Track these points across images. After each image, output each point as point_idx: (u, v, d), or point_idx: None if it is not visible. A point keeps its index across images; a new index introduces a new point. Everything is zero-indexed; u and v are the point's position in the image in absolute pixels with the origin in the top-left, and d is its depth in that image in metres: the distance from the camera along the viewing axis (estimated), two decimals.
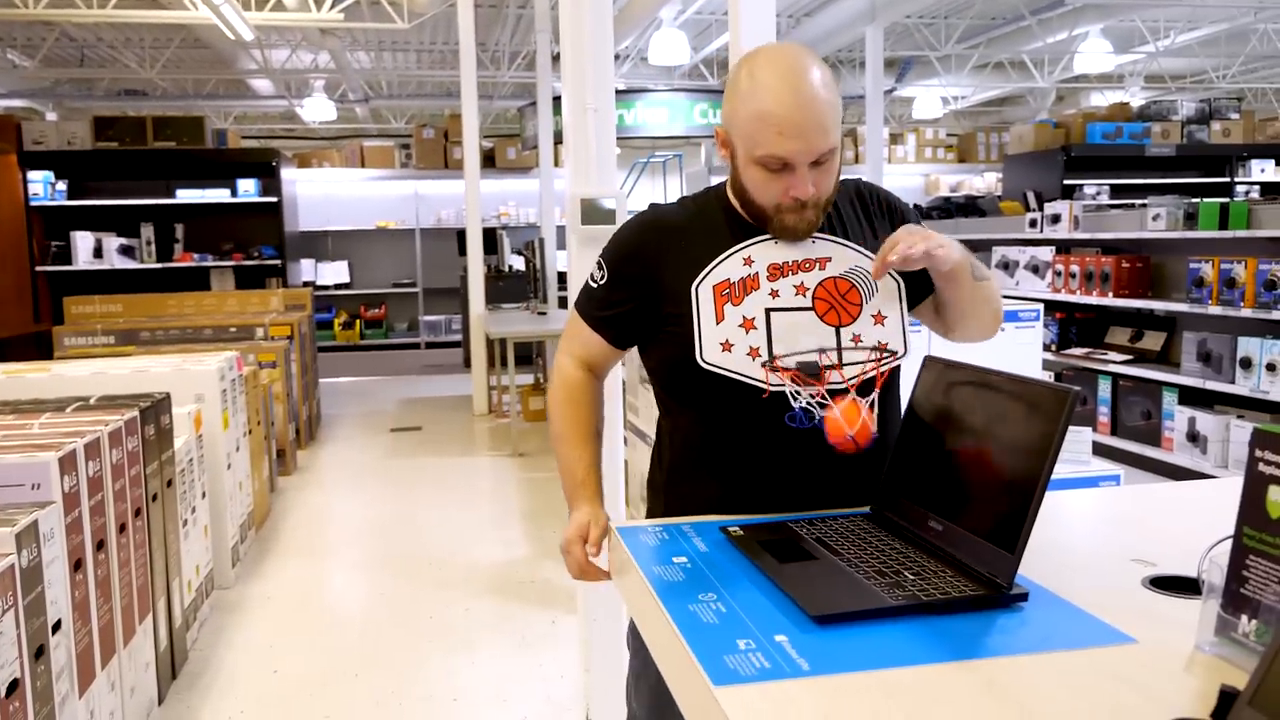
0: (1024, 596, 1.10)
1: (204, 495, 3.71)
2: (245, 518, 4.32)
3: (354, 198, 11.97)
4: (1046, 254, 6.22)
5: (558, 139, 8.08)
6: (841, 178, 1.54)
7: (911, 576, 1.14)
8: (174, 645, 3.13)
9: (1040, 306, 2.73)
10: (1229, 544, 0.97)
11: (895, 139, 13.40)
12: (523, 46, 11.18)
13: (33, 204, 9.08)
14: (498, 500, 5.27)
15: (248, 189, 9.50)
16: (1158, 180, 9.19)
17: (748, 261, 1.50)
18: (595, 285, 1.60)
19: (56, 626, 2.12)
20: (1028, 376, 1.24)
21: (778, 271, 1.49)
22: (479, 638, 3.46)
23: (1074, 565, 1.24)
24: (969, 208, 8.79)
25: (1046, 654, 0.98)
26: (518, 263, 9.66)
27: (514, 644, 3.40)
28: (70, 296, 6.85)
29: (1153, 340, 5.63)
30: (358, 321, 11.96)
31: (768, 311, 1.47)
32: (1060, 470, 2.57)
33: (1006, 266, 6.59)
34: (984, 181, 13.49)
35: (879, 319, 1.50)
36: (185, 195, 9.46)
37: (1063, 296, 5.98)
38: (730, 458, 1.51)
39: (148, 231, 9.37)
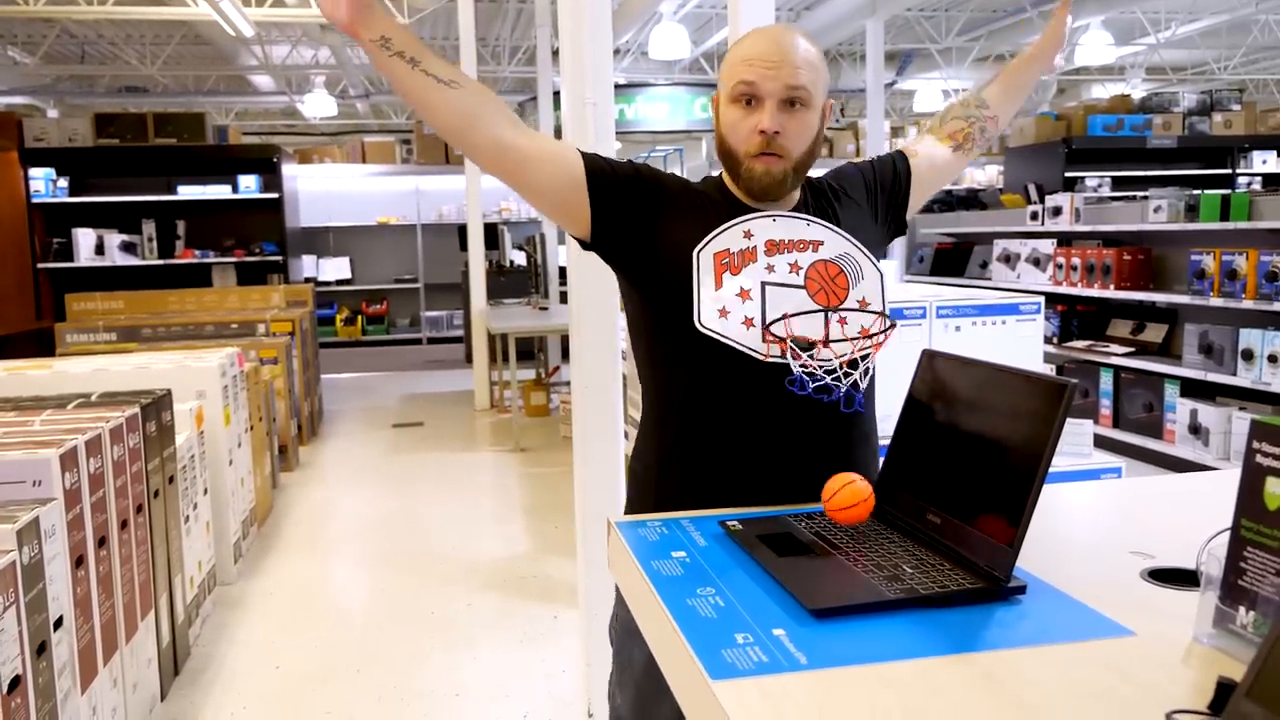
0: (1022, 589, 1.10)
1: (206, 491, 3.71)
2: (247, 514, 4.32)
3: (355, 193, 11.95)
4: (1048, 246, 6.21)
5: (558, 134, 8.07)
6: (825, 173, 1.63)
7: (909, 570, 1.14)
8: (176, 641, 3.14)
9: (1041, 299, 2.74)
10: (1227, 536, 0.97)
11: (896, 132, 13.37)
12: (523, 41, 11.17)
13: (34, 201, 9.07)
14: (499, 495, 5.28)
15: (249, 185, 9.50)
16: (1159, 172, 9.17)
17: (748, 234, 1.53)
18: (618, 159, 1.62)
19: (58, 623, 2.12)
20: (1026, 369, 1.24)
21: (775, 248, 1.52)
22: (481, 633, 3.47)
23: (1073, 558, 1.25)
24: (970, 200, 8.78)
25: (1044, 647, 0.98)
26: (519, 258, 9.66)
27: (516, 639, 3.41)
28: (72, 293, 6.85)
29: (1154, 332, 5.63)
30: (359, 317, 11.96)
31: (763, 285, 1.50)
32: (1061, 463, 2.58)
33: (1008, 259, 6.58)
34: (985, 174, 13.48)
35: (863, 304, 1.54)
36: (186, 192, 9.46)
37: (1064, 289, 5.98)
38: (729, 425, 1.51)
39: (149, 228, 9.37)
